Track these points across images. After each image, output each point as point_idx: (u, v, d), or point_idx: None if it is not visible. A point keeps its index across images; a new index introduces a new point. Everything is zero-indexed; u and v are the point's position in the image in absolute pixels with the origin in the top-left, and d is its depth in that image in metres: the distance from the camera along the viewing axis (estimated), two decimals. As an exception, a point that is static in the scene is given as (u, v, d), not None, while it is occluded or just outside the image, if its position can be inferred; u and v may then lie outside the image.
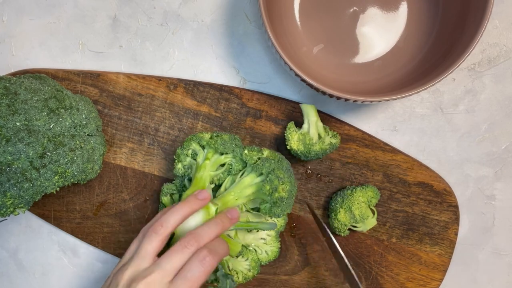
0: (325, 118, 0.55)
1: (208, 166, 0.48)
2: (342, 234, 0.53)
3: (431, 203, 0.55)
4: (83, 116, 0.50)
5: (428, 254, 0.55)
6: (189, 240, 0.41)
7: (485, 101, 0.56)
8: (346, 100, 0.47)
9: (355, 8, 0.53)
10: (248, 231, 0.51)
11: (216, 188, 0.50)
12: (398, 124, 0.56)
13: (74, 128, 0.49)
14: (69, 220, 0.57)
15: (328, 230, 0.51)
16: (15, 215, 0.47)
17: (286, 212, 0.48)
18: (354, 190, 0.52)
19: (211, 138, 0.50)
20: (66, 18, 0.57)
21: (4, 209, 0.45)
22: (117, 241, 0.57)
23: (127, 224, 0.56)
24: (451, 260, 0.56)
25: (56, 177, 0.46)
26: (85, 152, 0.49)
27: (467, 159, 0.56)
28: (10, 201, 0.44)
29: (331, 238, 0.50)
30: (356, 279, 0.47)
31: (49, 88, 0.48)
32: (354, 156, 0.55)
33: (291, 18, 0.54)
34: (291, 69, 0.46)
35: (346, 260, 0.49)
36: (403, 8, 0.53)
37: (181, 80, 0.55)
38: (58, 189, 0.48)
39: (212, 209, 0.45)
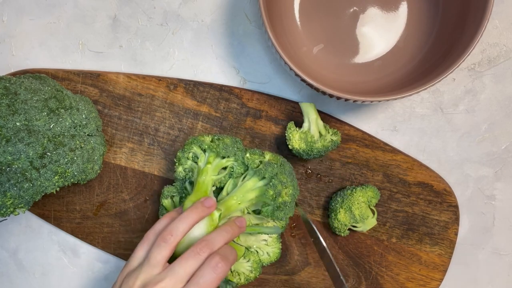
0: (325, 118, 0.55)
1: (210, 170, 0.48)
2: (342, 234, 0.53)
3: (431, 203, 0.55)
4: (83, 116, 0.50)
5: (428, 254, 0.55)
6: (202, 247, 0.41)
7: (485, 101, 0.56)
8: (346, 100, 0.47)
9: (355, 8, 0.53)
10: (249, 234, 0.51)
11: (218, 191, 0.50)
12: (398, 124, 0.56)
13: (74, 128, 0.49)
14: (69, 220, 0.57)
15: (317, 232, 0.51)
16: (15, 215, 0.47)
17: (288, 216, 0.48)
18: (354, 190, 0.52)
19: (212, 141, 0.50)
20: (66, 18, 0.57)
21: (4, 209, 0.45)
22: (117, 241, 0.57)
23: (127, 224, 0.56)
24: (451, 260, 0.56)
25: (56, 177, 0.46)
26: (85, 152, 0.49)
27: (467, 159, 0.56)
28: (10, 201, 0.44)
29: (319, 239, 0.50)
30: (344, 283, 0.47)
31: (49, 88, 0.48)
32: (354, 156, 0.55)
33: (291, 18, 0.54)
34: (291, 69, 0.46)
35: (334, 263, 0.49)
36: (403, 8, 0.53)
37: (181, 80, 0.55)
38: (58, 189, 0.48)
39: (216, 215, 0.45)
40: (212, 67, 0.57)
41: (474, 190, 0.56)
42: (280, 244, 0.52)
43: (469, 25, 0.46)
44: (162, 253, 0.41)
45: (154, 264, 0.40)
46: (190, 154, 0.50)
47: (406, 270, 0.55)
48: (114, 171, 0.56)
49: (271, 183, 0.46)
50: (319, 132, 0.52)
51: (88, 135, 0.51)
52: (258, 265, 0.51)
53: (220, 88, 0.55)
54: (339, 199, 0.53)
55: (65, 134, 0.48)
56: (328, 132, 0.52)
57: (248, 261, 0.50)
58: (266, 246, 0.51)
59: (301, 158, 0.54)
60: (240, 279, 0.50)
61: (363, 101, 0.47)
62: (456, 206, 0.55)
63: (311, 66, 0.53)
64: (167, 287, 0.39)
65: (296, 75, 0.46)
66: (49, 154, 0.45)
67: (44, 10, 0.57)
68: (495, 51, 0.56)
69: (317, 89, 0.47)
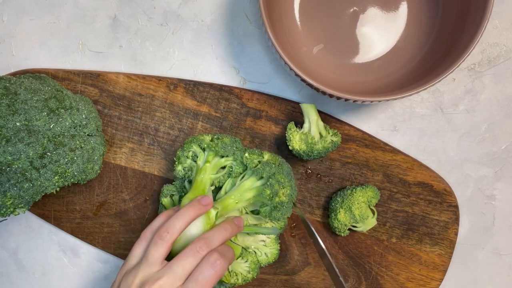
0: (325, 118, 0.55)
1: (209, 169, 0.48)
2: (342, 234, 0.53)
3: (431, 203, 0.55)
4: (83, 116, 0.50)
5: (428, 254, 0.55)
6: (201, 245, 0.41)
7: (485, 101, 0.56)
8: (346, 100, 0.47)
9: (355, 8, 0.53)
10: (247, 233, 0.51)
11: (216, 191, 0.50)
12: (398, 124, 0.56)
13: (74, 128, 0.49)
14: (69, 220, 0.57)
15: (316, 234, 0.51)
16: (15, 215, 0.47)
17: (286, 216, 0.48)
18: (354, 190, 0.52)
19: (211, 140, 0.50)
20: (66, 18, 0.57)
21: (4, 209, 0.45)
22: (117, 241, 0.57)
23: (127, 224, 0.56)
24: (451, 260, 0.56)
25: (56, 177, 0.46)
26: (85, 152, 0.49)
27: (467, 159, 0.56)
28: (10, 201, 0.44)
29: (318, 241, 0.50)
30: (344, 284, 0.47)
31: (49, 88, 0.48)
32: (354, 156, 0.55)
33: (291, 18, 0.54)
34: (291, 69, 0.46)
35: (334, 264, 0.48)
36: (403, 8, 0.53)
37: (181, 80, 0.55)
38: (58, 189, 0.48)
39: (213, 213, 0.45)
40: (212, 67, 0.57)
41: (474, 190, 0.56)
42: (279, 245, 0.52)
43: (469, 25, 0.46)
44: (159, 250, 0.41)
45: (152, 262, 0.41)
46: (190, 153, 0.50)
47: (406, 270, 0.55)
48: (114, 171, 0.56)
49: (268, 183, 0.46)
50: (320, 133, 0.52)
51: (88, 135, 0.51)
52: (256, 265, 0.51)
53: (220, 88, 0.55)
54: (339, 199, 0.53)
55: (65, 134, 0.48)
56: (329, 133, 0.52)
57: (246, 261, 0.50)
58: (264, 247, 0.51)
59: (301, 159, 0.54)
60: (238, 280, 0.50)
61: (363, 101, 0.47)
62: (456, 206, 0.55)
63: (311, 66, 0.53)
64: (165, 284, 0.39)
65: (296, 75, 0.46)
66: (49, 154, 0.45)
67: (44, 10, 0.57)
68: (495, 51, 0.56)
69: (317, 89, 0.47)
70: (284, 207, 0.47)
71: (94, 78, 0.56)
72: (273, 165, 0.48)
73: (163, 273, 0.39)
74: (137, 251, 0.43)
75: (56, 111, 0.47)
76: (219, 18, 0.56)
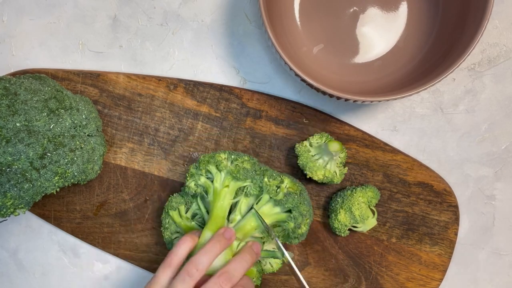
0: (325, 118, 0.55)
1: (228, 194, 0.48)
2: (342, 235, 0.53)
3: (431, 203, 0.55)
4: (83, 116, 0.50)
5: (428, 254, 0.55)
6: (224, 280, 0.42)
7: (485, 101, 0.56)
8: (346, 100, 0.47)
9: (355, 8, 0.53)
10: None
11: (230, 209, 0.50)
12: (398, 124, 0.56)
13: (74, 128, 0.49)
14: (69, 220, 0.57)
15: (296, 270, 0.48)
16: (15, 215, 0.47)
17: (301, 240, 0.49)
18: (354, 190, 0.52)
19: (228, 159, 0.49)
20: (66, 18, 0.57)
21: (4, 210, 0.45)
22: (117, 241, 0.57)
23: (127, 224, 0.56)
24: (451, 260, 0.56)
25: (56, 178, 0.46)
26: (85, 153, 0.49)
27: (467, 159, 0.56)
28: (10, 202, 0.44)
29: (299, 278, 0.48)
30: None
31: (49, 88, 0.48)
32: (354, 156, 0.55)
33: (291, 18, 0.54)
34: (291, 69, 0.46)
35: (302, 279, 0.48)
36: (403, 8, 0.53)
37: (181, 80, 0.55)
38: (58, 189, 0.48)
39: (235, 244, 0.46)
40: (212, 67, 0.57)
41: (474, 190, 0.56)
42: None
43: (469, 25, 0.46)
44: (185, 286, 0.41)
45: None
46: (204, 171, 0.49)
47: (406, 270, 0.55)
48: (114, 171, 0.56)
49: (292, 215, 0.47)
50: (335, 165, 0.53)
51: (88, 135, 0.51)
52: (260, 274, 0.51)
53: (220, 88, 0.55)
54: (339, 199, 0.53)
55: (65, 134, 0.48)
56: (340, 166, 0.53)
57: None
58: (269, 258, 0.51)
59: (302, 170, 0.53)
60: None
61: (363, 101, 0.47)
62: (456, 206, 0.55)
63: (311, 66, 0.53)
64: None
65: (296, 75, 0.46)
66: (49, 154, 0.45)
67: (44, 10, 0.57)
68: (495, 51, 0.56)
69: (317, 89, 0.47)
70: (304, 235, 0.48)
71: (94, 78, 0.56)
72: (295, 196, 0.47)
73: None
74: (163, 278, 0.43)
75: (56, 111, 0.47)
76: (219, 18, 0.56)
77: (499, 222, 0.57)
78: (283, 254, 0.48)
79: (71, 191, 0.56)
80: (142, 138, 0.56)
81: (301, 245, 0.56)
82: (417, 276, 0.55)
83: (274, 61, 0.56)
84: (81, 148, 0.49)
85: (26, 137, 0.44)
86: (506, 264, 0.57)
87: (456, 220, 0.55)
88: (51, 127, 0.46)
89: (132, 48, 0.57)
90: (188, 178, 0.50)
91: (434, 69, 0.48)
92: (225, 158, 0.49)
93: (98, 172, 0.53)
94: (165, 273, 0.43)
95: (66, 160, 0.47)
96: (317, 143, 0.52)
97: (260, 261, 0.51)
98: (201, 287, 0.41)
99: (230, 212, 0.49)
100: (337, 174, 0.52)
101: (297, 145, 0.53)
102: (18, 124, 0.44)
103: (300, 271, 0.56)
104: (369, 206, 0.53)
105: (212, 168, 0.49)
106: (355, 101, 0.47)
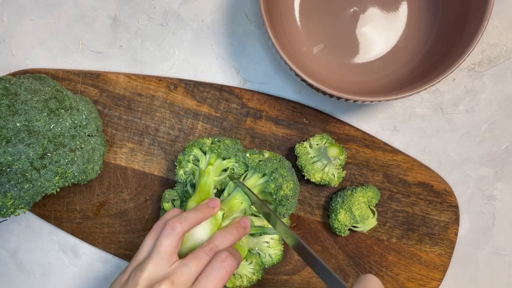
0: (325, 118, 0.55)
1: (212, 171, 0.49)
2: (343, 234, 0.53)
3: (431, 203, 0.55)
4: (83, 116, 0.50)
5: (428, 254, 0.55)
6: (210, 248, 0.42)
7: (485, 101, 0.56)
8: (346, 100, 0.47)
9: (355, 8, 0.53)
10: (251, 235, 0.51)
11: (219, 193, 0.50)
12: (398, 124, 0.56)
13: (74, 128, 0.49)
14: (70, 220, 0.57)
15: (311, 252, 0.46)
16: (16, 215, 0.47)
17: (290, 212, 0.48)
18: (354, 190, 0.52)
19: (212, 143, 0.50)
20: (66, 18, 0.57)
21: (4, 210, 0.45)
22: (117, 241, 0.57)
23: (128, 224, 0.56)
24: (451, 260, 0.56)
25: (56, 178, 0.46)
26: (85, 153, 0.49)
27: (467, 159, 0.56)
28: (11, 202, 0.44)
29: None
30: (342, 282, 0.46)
31: (49, 88, 0.48)
32: (354, 156, 0.55)
33: (291, 18, 0.54)
34: (291, 69, 0.46)
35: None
36: (403, 8, 0.53)
37: (181, 80, 0.55)
38: (58, 189, 0.48)
39: (219, 214, 0.46)
40: (212, 67, 0.57)
41: (474, 190, 0.56)
42: (282, 246, 0.52)
43: (469, 25, 0.46)
44: (170, 239, 0.41)
45: (163, 254, 0.40)
46: (191, 157, 0.50)
47: (406, 270, 0.55)
48: (115, 171, 0.56)
49: (272, 177, 0.47)
50: (334, 167, 0.53)
51: (88, 135, 0.51)
52: (260, 267, 0.51)
53: (220, 88, 0.55)
54: (339, 199, 0.53)
55: (65, 134, 0.48)
56: (339, 168, 0.53)
57: (250, 263, 0.50)
58: (268, 248, 0.51)
59: (300, 171, 0.54)
60: (243, 282, 0.50)
61: (363, 101, 0.47)
62: (456, 206, 0.55)
63: (311, 66, 0.53)
64: (179, 282, 0.38)
65: (296, 75, 0.46)
66: (49, 154, 0.45)
67: (44, 10, 0.57)
68: (495, 51, 0.56)
69: (317, 89, 0.47)
70: (289, 201, 0.47)
71: (94, 78, 0.56)
72: (275, 161, 0.48)
73: (176, 269, 0.39)
74: (148, 243, 0.42)
75: (56, 111, 0.47)
76: (219, 18, 0.56)
77: (499, 222, 0.57)
78: (274, 223, 0.46)
79: (71, 191, 0.56)
80: (142, 138, 0.56)
81: (301, 245, 0.56)
82: (417, 276, 0.55)
83: (274, 61, 0.56)
84: (81, 148, 0.49)
85: (26, 137, 0.44)
86: (506, 264, 0.57)
87: (456, 220, 0.55)
88: (51, 127, 0.46)
89: (132, 48, 0.57)
90: (177, 167, 0.51)
91: (434, 69, 0.48)
92: (209, 141, 0.51)
93: (98, 172, 0.53)
94: (150, 239, 0.43)
95: (66, 160, 0.47)
96: (317, 145, 0.52)
97: (259, 254, 0.51)
98: (190, 254, 0.41)
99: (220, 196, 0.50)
100: (335, 177, 0.52)
101: (297, 146, 0.53)
102: (18, 124, 0.44)
103: (300, 271, 0.56)
104: (369, 206, 0.53)
105: (197, 152, 0.50)
106: (355, 101, 0.47)
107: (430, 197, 0.55)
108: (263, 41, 0.56)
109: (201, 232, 0.44)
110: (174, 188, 0.53)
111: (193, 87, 0.55)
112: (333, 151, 0.50)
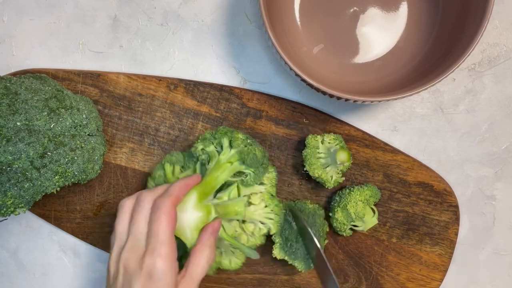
0: (326, 118, 0.55)
1: (228, 170, 0.47)
2: (344, 234, 0.53)
3: (432, 203, 0.55)
4: (84, 116, 0.50)
5: (428, 254, 0.55)
6: (144, 197, 0.42)
7: (485, 101, 0.56)
8: (346, 100, 0.47)
9: (355, 8, 0.53)
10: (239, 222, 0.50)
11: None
12: (398, 124, 0.56)
13: (75, 128, 0.49)
14: (70, 220, 0.57)
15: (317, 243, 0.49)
16: (16, 215, 0.47)
17: (261, 174, 0.48)
18: (351, 189, 0.52)
19: (244, 144, 0.49)
20: (66, 18, 0.57)
21: (4, 209, 0.45)
22: (117, 241, 0.57)
23: (127, 224, 0.56)
24: (452, 260, 0.56)
25: (56, 177, 0.46)
26: (85, 152, 0.49)
27: (467, 159, 0.56)
28: (11, 201, 0.44)
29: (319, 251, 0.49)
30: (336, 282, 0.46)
31: (50, 88, 0.48)
32: (354, 156, 0.55)
33: (291, 18, 0.54)
34: (291, 69, 0.46)
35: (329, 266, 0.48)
36: (403, 8, 0.53)
37: (181, 80, 0.55)
38: (58, 189, 0.48)
39: (213, 212, 0.46)
40: (212, 67, 0.57)
41: (475, 190, 0.56)
42: (245, 260, 0.52)
43: (469, 25, 0.46)
44: (143, 214, 0.41)
45: (135, 234, 0.41)
46: (217, 142, 0.49)
47: (406, 270, 0.55)
48: (115, 171, 0.56)
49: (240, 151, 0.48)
50: (334, 171, 0.53)
51: (88, 135, 0.51)
52: (216, 265, 0.51)
53: (221, 88, 0.55)
54: (337, 198, 0.53)
55: (66, 134, 0.48)
56: (338, 174, 0.53)
57: (268, 209, 0.50)
58: (232, 255, 0.51)
59: (303, 159, 0.54)
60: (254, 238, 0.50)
61: (363, 101, 0.47)
62: (457, 206, 0.55)
63: (311, 66, 0.53)
64: (128, 247, 0.40)
65: (296, 75, 0.46)
66: (49, 154, 0.45)
67: (44, 10, 0.57)
68: (495, 51, 0.56)
69: (317, 89, 0.47)
70: (259, 162, 0.47)
71: (94, 78, 0.56)
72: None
73: (125, 240, 0.41)
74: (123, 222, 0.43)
75: (57, 111, 0.47)
76: (219, 18, 0.56)
77: (499, 222, 0.57)
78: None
79: (71, 191, 0.56)
80: (143, 138, 0.56)
81: (301, 245, 0.56)
82: (417, 276, 0.55)
83: (274, 61, 0.56)
84: (82, 147, 0.49)
85: (26, 136, 0.44)
86: (506, 264, 0.57)
87: (457, 220, 0.55)
88: (52, 126, 0.46)
89: (132, 48, 0.57)
90: (198, 141, 0.50)
91: (434, 69, 0.48)
92: (242, 138, 0.49)
93: (99, 171, 0.53)
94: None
95: (66, 160, 0.47)
96: (329, 143, 0.52)
97: (221, 254, 0.50)
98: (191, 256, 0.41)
99: (219, 191, 0.49)
100: (332, 180, 0.52)
101: (310, 136, 0.52)
102: (18, 123, 0.44)
103: (300, 271, 0.56)
104: (368, 205, 0.53)
105: (225, 142, 0.48)
106: (355, 101, 0.47)
107: (430, 197, 0.55)
108: (263, 41, 0.56)
109: (191, 218, 0.44)
110: (183, 152, 0.52)
111: (193, 87, 0.55)
112: (342, 156, 0.50)
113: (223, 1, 0.56)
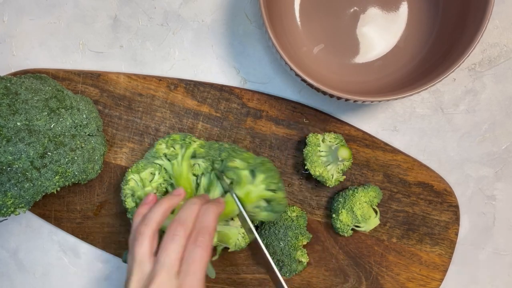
0: (326, 118, 0.55)
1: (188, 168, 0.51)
2: (346, 234, 0.53)
3: (432, 203, 0.55)
4: (84, 116, 0.50)
5: (428, 254, 0.55)
6: (176, 227, 0.40)
7: (486, 101, 0.56)
8: (347, 100, 0.47)
9: (355, 8, 0.53)
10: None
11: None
12: (399, 124, 0.56)
13: (75, 128, 0.49)
14: (70, 220, 0.57)
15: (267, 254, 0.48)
16: (16, 215, 0.47)
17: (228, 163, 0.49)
18: (355, 190, 0.52)
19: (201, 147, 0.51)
20: (66, 18, 0.57)
21: (4, 209, 0.45)
22: (117, 241, 0.57)
23: (128, 224, 0.56)
24: (452, 260, 0.56)
25: (56, 177, 0.46)
26: (85, 152, 0.49)
27: (467, 159, 0.56)
28: (11, 201, 0.44)
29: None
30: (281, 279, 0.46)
31: (50, 88, 0.48)
32: (355, 156, 0.55)
33: (291, 18, 0.54)
34: (291, 69, 0.46)
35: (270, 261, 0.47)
36: (404, 8, 0.53)
37: (181, 80, 0.55)
38: (58, 189, 0.48)
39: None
40: (213, 67, 0.57)
41: (475, 190, 0.56)
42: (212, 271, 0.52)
43: (469, 25, 0.46)
44: (143, 245, 0.40)
45: (141, 260, 0.39)
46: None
47: (406, 270, 0.55)
48: (115, 171, 0.56)
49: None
50: (335, 170, 0.53)
51: (88, 135, 0.51)
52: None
53: (221, 88, 0.55)
54: (341, 199, 0.53)
55: (66, 134, 0.48)
56: (339, 173, 0.53)
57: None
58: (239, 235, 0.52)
59: (304, 159, 0.54)
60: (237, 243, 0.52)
61: (364, 101, 0.47)
62: (457, 206, 0.55)
63: (311, 66, 0.53)
64: (163, 281, 0.37)
65: (297, 75, 0.46)
66: (49, 154, 0.45)
67: (44, 10, 0.57)
68: (496, 51, 0.56)
69: (317, 89, 0.47)
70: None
71: (94, 78, 0.56)
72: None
73: (156, 271, 0.38)
74: (130, 261, 0.42)
75: (57, 111, 0.47)
76: (220, 18, 0.56)
77: (499, 222, 0.57)
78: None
79: (71, 191, 0.56)
80: (143, 138, 0.56)
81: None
82: (417, 276, 0.55)
83: (275, 61, 0.56)
84: (82, 147, 0.49)
85: (26, 136, 0.44)
86: (506, 264, 0.57)
87: (457, 220, 0.55)
88: (52, 126, 0.46)
89: (133, 48, 0.57)
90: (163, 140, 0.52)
91: (434, 69, 0.48)
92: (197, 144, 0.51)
93: (99, 171, 0.53)
94: (130, 255, 0.42)
95: (66, 160, 0.47)
96: (329, 141, 0.52)
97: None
98: (161, 244, 0.40)
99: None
100: (333, 178, 0.52)
101: (311, 134, 0.52)
102: (18, 123, 0.44)
103: (300, 271, 0.56)
104: (371, 206, 0.53)
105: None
106: (355, 101, 0.47)
107: (430, 197, 0.55)
108: (263, 41, 0.56)
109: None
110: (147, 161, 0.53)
111: (193, 87, 0.55)
112: (344, 152, 0.50)
113: (223, 1, 0.56)
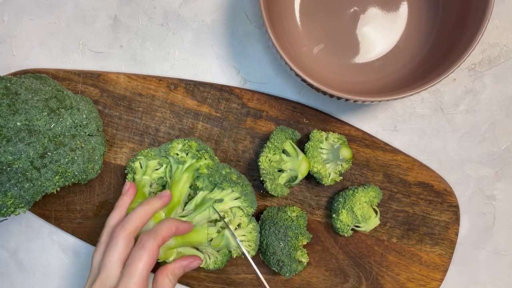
0: (326, 118, 0.55)
1: (186, 180, 0.51)
2: (346, 235, 0.53)
3: (432, 203, 0.55)
4: (84, 116, 0.50)
5: (428, 254, 0.55)
6: (118, 231, 0.43)
7: (486, 101, 0.56)
8: (347, 100, 0.47)
9: (355, 8, 0.53)
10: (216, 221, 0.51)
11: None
12: (399, 124, 0.56)
13: (75, 128, 0.49)
14: (70, 220, 0.57)
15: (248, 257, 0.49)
16: (16, 215, 0.47)
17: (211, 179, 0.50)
18: (356, 190, 0.52)
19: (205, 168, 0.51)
20: (66, 18, 0.57)
21: (4, 209, 0.45)
22: (117, 241, 0.57)
23: (128, 224, 0.56)
24: (452, 260, 0.56)
25: (56, 177, 0.46)
26: (85, 152, 0.49)
27: (467, 159, 0.56)
28: (11, 201, 0.44)
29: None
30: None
31: (50, 88, 0.48)
32: (355, 156, 0.55)
33: (291, 18, 0.54)
34: (291, 69, 0.46)
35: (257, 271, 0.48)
36: (404, 8, 0.53)
37: (181, 80, 0.55)
38: (58, 189, 0.48)
39: (162, 214, 0.48)
40: (213, 67, 0.57)
41: (475, 190, 0.56)
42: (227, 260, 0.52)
43: (469, 25, 0.46)
44: (117, 252, 0.42)
45: (109, 267, 0.41)
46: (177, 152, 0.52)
47: (406, 270, 0.55)
48: (115, 171, 0.56)
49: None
50: (334, 170, 0.53)
51: (88, 135, 0.51)
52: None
53: (221, 88, 0.55)
54: (341, 199, 0.53)
55: (66, 134, 0.48)
56: (336, 173, 0.53)
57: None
58: (216, 252, 0.52)
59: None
60: (216, 261, 0.52)
61: (364, 101, 0.47)
62: (457, 206, 0.55)
63: (311, 66, 0.53)
64: (100, 284, 0.40)
65: (297, 75, 0.46)
66: (49, 154, 0.45)
67: (44, 10, 0.57)
68: (496, 51, 0.56)
69: (317, 89, 0.47)
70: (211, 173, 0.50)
71: (94, 78, 0.56)
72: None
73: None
74: (96, 258, 0.44)
75: (57, 111, 0.47)
76: (220, 18, 0.56)
77: (499, 222, 0.57)
78: (240, 250, 0.49)
79: (71, 191, 0.56)
80: (143, 138, 0.56)
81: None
82: (417, 276, 0.55)
83: (275, 61, 0.56)
84: (82, 147, 0.49)
85: (26, 136, 0.44)
86: (506, 264, 0.57)
87: (457, 220, 0.55)
88: (52, 126, 0.46)
89: (133, 48, 0.57)
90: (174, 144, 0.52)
91: (434, 69, 0.48)
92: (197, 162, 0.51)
93: (99, 171, 0.53)
94: (98, 251, 0.44)
95: (66, 160, 0.47)
96: (332, 140, 0.52)
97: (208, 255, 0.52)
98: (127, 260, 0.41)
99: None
100: (330, 177, 0.52)
101: (315, 130, 0.52)
102: (18, 124, 0.44)
103: (300, 271, 0.56)
104: (371, 206, 0.53)
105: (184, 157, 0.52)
106: (355, 101, 0.47)
107: (430, 197, 0.55)
108: (263, 41, 0.56)
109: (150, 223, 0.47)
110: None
111: (193, 87, 0.55)
112: (346, 152, 0.50)
113: (223, 1, 0.56)
